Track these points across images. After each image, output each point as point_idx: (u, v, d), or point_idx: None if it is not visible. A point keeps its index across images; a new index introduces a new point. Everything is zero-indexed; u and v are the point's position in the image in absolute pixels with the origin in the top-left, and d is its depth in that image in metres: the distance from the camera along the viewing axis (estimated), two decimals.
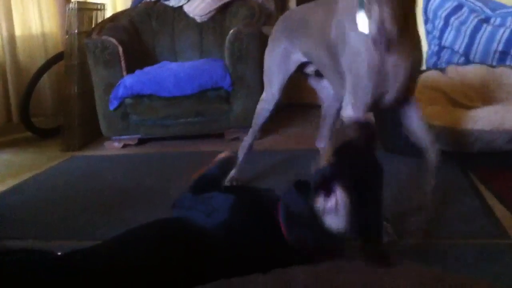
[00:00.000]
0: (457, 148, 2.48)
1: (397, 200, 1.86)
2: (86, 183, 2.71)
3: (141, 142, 3.52)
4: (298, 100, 4.18)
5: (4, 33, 3.94)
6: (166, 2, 3.94)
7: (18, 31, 4.01)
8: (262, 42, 3.23)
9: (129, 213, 2.18)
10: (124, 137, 3.49)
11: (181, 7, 3.90)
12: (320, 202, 1.23)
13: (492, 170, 2.45)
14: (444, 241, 1.77)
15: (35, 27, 4.07)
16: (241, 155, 2.46)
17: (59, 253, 1.25)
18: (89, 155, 3.36)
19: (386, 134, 2.79)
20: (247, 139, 2.46)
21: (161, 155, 3.23)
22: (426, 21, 3.55)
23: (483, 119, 2.43)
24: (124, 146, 3.49)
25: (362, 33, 1.64)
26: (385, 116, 2.74)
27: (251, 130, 2.44)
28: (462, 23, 3.29)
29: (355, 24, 1.68)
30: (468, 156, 2.50)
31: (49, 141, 3.75)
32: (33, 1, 4.05)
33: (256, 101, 3.26)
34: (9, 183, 2.78)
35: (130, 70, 3.39)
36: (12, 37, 3.98)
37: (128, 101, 3.33)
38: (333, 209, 1.21)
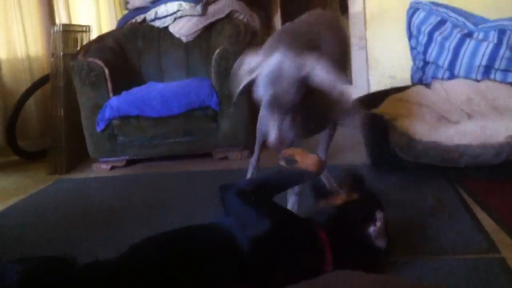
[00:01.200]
0: (445, 162, 2.49)
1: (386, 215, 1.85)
2: (74, 206, 2.68)
3: (129, 163, 3.50)
4: None
5: None
6: (152, 23, 3.95)
7: (3, 55, 3.99)
8: None
9: (118, 233, 2.15)
10: (112, 158, 3.46)
11: (166, 27, 3.91)
12: (372, 229, 1.53)
13: (481, 183, 2.45)
14: (433, 256, 1.76)
15: (20, 50, 4.05)
16: (250, 171, 2.47)
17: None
18: (77, 178, 3.33)
19: (374, 150, 2.80)
20: (254, 156, 2.46)
21: (149, 176, 3.21)
22: (410, 37, 3.59)
23: (469, 133, 2.45)
24: (112, 168, 3.46)
25: None
26: (373, 131, 2.75)
27: (256, 147, 2.44)
28: (446, 38, 3.33)
29: None
30: (456, 170, 2.51)
31: (36, 164, 3.71)
32: (18, 24, 4.03)
33: (244, 120, 3.31)
34: None
35: (117, 91, 3.38)
36: None
37: (115, 122, 3.32)
38: (381, 232, 1.53)
